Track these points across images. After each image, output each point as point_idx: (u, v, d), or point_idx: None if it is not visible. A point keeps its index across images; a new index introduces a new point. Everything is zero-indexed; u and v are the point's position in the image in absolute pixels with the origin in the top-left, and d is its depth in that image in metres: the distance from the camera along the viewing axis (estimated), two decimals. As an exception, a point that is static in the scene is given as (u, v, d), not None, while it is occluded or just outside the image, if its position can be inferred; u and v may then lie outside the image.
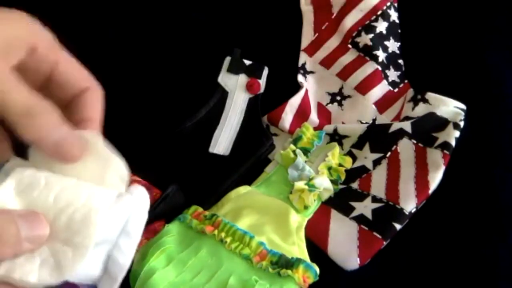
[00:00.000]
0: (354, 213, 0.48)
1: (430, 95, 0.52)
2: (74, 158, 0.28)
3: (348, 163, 0.51)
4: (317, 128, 0.53)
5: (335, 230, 0.47)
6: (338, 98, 0.56)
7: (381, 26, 0.57)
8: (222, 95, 0.54)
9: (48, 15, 0.33)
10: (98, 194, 0.28)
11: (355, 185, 0.50)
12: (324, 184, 0.48)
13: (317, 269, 0.42)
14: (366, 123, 0.53)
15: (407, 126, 0.50)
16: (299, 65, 0.57)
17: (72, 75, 0.30)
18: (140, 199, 0.29)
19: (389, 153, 0.50)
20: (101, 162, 0.29)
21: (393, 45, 0.57)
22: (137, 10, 0.62)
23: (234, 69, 0.55)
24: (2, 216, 0.25)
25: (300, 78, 0.56)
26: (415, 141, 0.50)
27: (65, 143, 0.27)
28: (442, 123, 0.50)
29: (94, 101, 0.30)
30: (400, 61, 0.57)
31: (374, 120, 0.54)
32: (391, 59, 0.57)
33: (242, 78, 0.55)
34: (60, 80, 0.29)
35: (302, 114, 0.54)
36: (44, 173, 0.28)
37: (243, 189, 0.49)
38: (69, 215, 0.27)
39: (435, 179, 0.47)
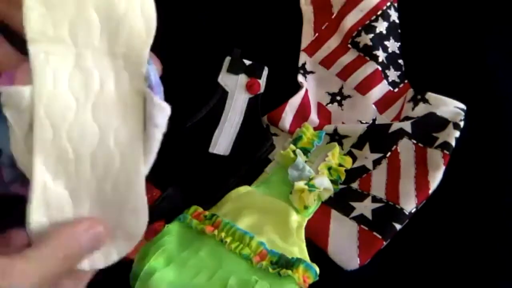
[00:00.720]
0: (354, 213, 0.48)
1: (430, 95, 0.52)
2: None
3: (348, 163, 0.51)
4: (317, 128, 0.53)
5: (335, 230, 0.47)
6: (338, 98, 0.56)
7: (381, 26, 0.57)
8: (222, 95, 0.54)
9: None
10: (129, 147, 0.28)
11: (355, 185, 0.50)
12: (324, 184, 0.48)
13: (317, 269, 0.42)
14: (366, 123, 0.53)
15: (407, 126, 0.50)
16: (299, 65, 0.57)
17: None
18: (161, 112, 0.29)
19: (389, 153, 0.50)
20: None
21: (393, 45, 0.57)
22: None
23: (234, 69, 0.55)
24: (66, 237, 0.26)
25: (300, 78, 0.56)
26: (415, 141, 0.50)
27: None
28: (442, 123, 0.50)
29: None
30: (400, 61, 0.57)
31: (374, 120, 0.54)
32: (391, 59, 0.57)
33: (242, 78, 0.55)
34: None
35: (302, 114, 0.54)
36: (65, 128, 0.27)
37: (243, 189, 0.49)
38: (113, 183, 0.27)
39: (435, 179, 0.47)
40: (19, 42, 0.29)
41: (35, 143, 0.26)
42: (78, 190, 0.27)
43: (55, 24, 0.26)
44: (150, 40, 0.28)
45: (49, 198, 0.27)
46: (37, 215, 0.26)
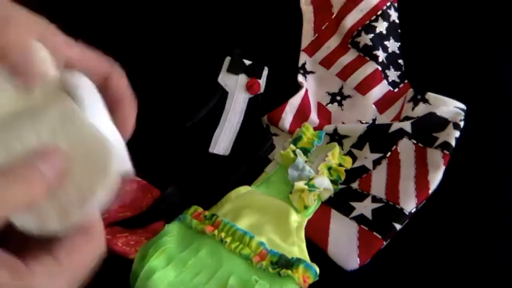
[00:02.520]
0: (354, 213, 0.48)
1: (430, 95, 0.52)
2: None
3: (348, 163, 0.51)
4: (317, 128, 0.53)
5: (335, 230, 0.47)
6: (338, 98, 0.56)
7: (381, 26, 0.57)
8: (222, 95, 0.54)
9: (50, 14, 0.32)
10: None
11: (355, 185, 0.50)
12: (324, 184, 0.48)
13: (317, 269, 0.42)
14: (366, 123, 0.53)
15: (407, 126, 0.50)
16: (299, 65, 0.57)
17: (88, 64, 0.29)
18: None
19: (389, 153, 0.50)
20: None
21: (393, 45, 0.57)
22: (137, 10, 0.62)
23: (234, 69, 0.55)
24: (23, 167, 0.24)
25: (300, 78, 0.56)
26: (415, 141, 0.50)
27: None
28: (442, 123, 0.50)
29: (119, 82, 0.30)
30: (400, 61, 0.57)
31: (374, 120, 0.54)
32: (391, 59, 0.57)
33: (242, 78, 0.55)
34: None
35: (302, 114, 0.54)
36: None
37: (243, 189, 0.49)
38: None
39: (435, 179, 0.47)
40: None
41: None
42: None
43: None
44: None
45: None
46: None
